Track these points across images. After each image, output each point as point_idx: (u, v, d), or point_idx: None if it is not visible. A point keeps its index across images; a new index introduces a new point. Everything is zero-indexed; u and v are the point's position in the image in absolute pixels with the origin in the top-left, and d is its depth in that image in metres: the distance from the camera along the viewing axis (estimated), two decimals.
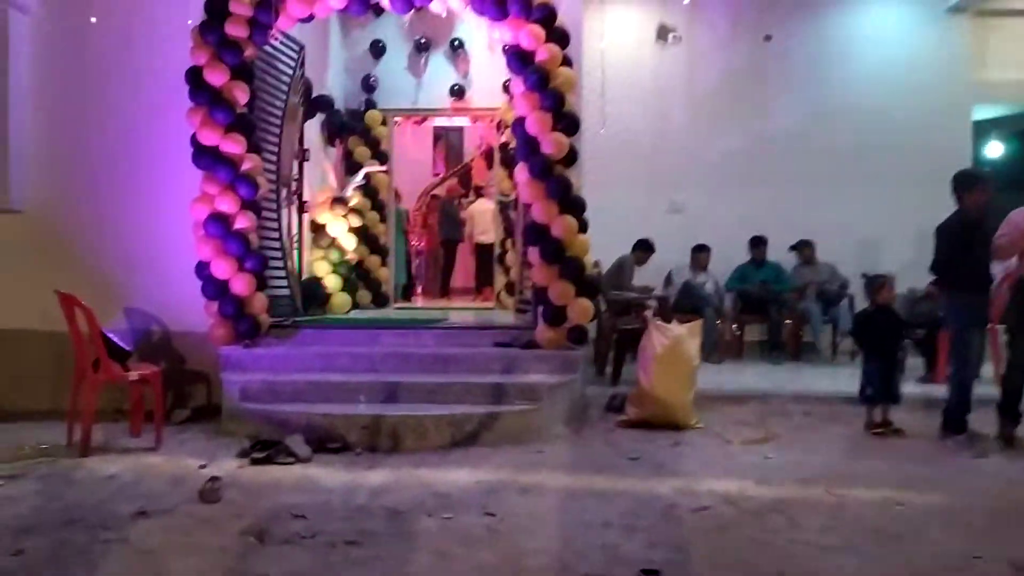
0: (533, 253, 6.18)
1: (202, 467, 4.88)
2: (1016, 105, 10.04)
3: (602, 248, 7.18)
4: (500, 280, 9.55)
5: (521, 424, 5.59)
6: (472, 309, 9.82)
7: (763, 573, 3.40)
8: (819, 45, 9.70)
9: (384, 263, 9.55)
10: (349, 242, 8.38)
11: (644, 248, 8.71)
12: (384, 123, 9.64)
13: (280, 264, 7.09)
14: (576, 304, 6.09)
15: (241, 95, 6.23)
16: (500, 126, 9.70)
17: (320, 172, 8.54)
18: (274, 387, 5.79)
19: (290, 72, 7.32)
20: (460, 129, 15.95)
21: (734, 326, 9.12)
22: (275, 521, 3.95)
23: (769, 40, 9.70)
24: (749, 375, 7.79)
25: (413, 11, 9.24)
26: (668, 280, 9.28)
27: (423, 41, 9.59)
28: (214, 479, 4.44)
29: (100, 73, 6.58)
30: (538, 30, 6.06)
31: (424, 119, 12.50)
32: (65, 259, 6.49)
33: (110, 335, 5.29)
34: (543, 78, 6.03)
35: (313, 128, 8.38)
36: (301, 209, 7.66)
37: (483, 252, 11.72)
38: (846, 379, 7.34)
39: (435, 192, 14.48)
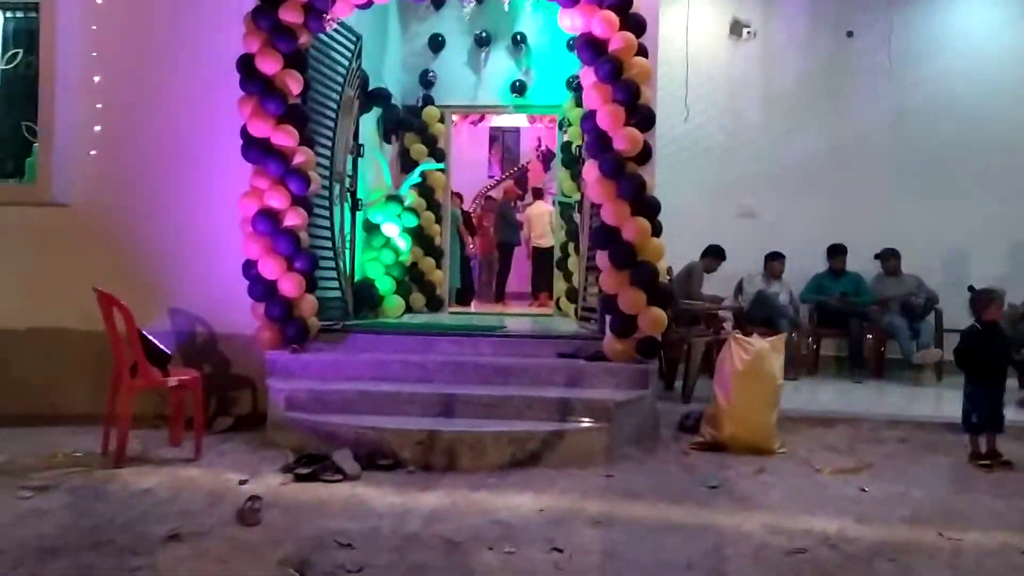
0: (602, 257, 5.71)
1: (242, 483, 4.51)
2: None
3: (666, 253, 6.67)
4: (560, 286, 9.07)
5: (587, 444, 5.12)
6: (530, 315, 9.38)
7: None
8: (905, 41, 9.05)
9: (439, 265, 9.16)
10: (403, 243, 7.99)
11: (715, 255, 8.19)
12: (442, 120, 9.26)
13: (331, 264, 6.73)
14: (648, 313, 5.60)
15: (294, 85, 5.88)
16: (562, 125, 9.25)
17: (375, 169, 8.16)
18: (322, 396, 5.40)
19: (346, 63, 6.96)
20: (517, 130, 15.63)
21: (809, 340, 8.52)
22: (318, 550, 3.55)
23: (851, 36, 9.13)
24: (830, 393, 7.20)
25: (474, 4, 9.05)
26: (739, 289, 8.75)
27: (484, 35, 9.19)
28: (254, 498, 4.05)
29: (151, 60, 6.28)
30: (612, 17, 5.60)
31: (481, 118, 12.20)
32: (109, 256, 6.21)
33: (150, 337, 4.96)
34: (616, 68, 5.56)
35: (368, 123, 8.01)
36: (354, 207, 7.28)
37: (540, 256, 11.33)
38: (932, 400, 6.79)
39: (489, 194, 14.16)
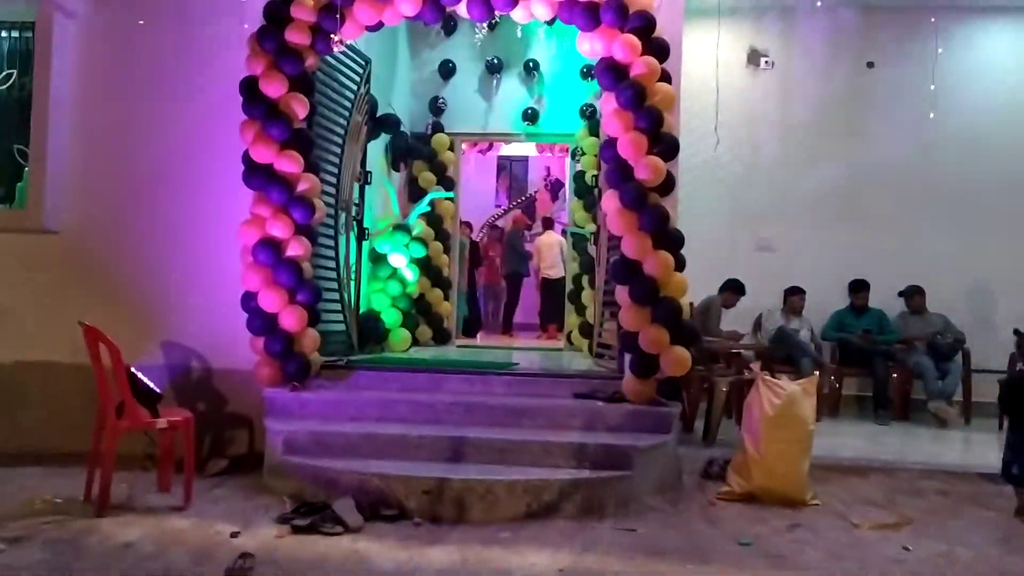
0: (622, 292, 5.38)
1: (234, 535, 4.15)
2: None
3: None
4: (572, 319, 8.73)
5: (608, 494, 4.76)
6: (540, 350, 9.04)
7: None
8: (928, 72, 8.78)
9: (447, 297, 8.85)
10: (411, 274, 7.67)
11: (734, 289, 7.90)
12: (451, 148, 8.99)
13: (335, 297, 6.42)
14: (670, 353, 5.27)
15: (300, 108, 5.60)
16: (575, 153, 8.99)
17: (383, 197, 7.88)
18: (323, 438, 5.05)
19: (354, 88, 6.70)
20: (525, 159, 15.43)
21: (831, 379, 8.17)
22: None
23: (872, 67, 8.89)
24: (857, 438, 6.83)
25: (486, 30, 8.82)
26: (757, 325, 8.45)
27: (495, 62, 8.96)
28: (245, 556, 3.70)
29: (148, 83, 6.00)
30: (634, 41, 5.33)
31: (489, 147, 11.94)
32: (101, 285, 5.91)
33: (138, 374, 4.62)
34: (639, 94, 5.28)
35: (376, 150, 7.74)
36: (360, 236, 6.98)
37: (550, 287, 11.03)
38: (963, 446, 6.45)
39: (496, 223, 13.90)
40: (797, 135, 8.93)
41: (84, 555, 3.84)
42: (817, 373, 7.85)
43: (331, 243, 6.39)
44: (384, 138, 8.05)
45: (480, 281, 12.27)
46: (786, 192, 8.85)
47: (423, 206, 8.05)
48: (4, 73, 6.19)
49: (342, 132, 6.56)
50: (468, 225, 11.23)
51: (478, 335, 11.09)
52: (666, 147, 5.34)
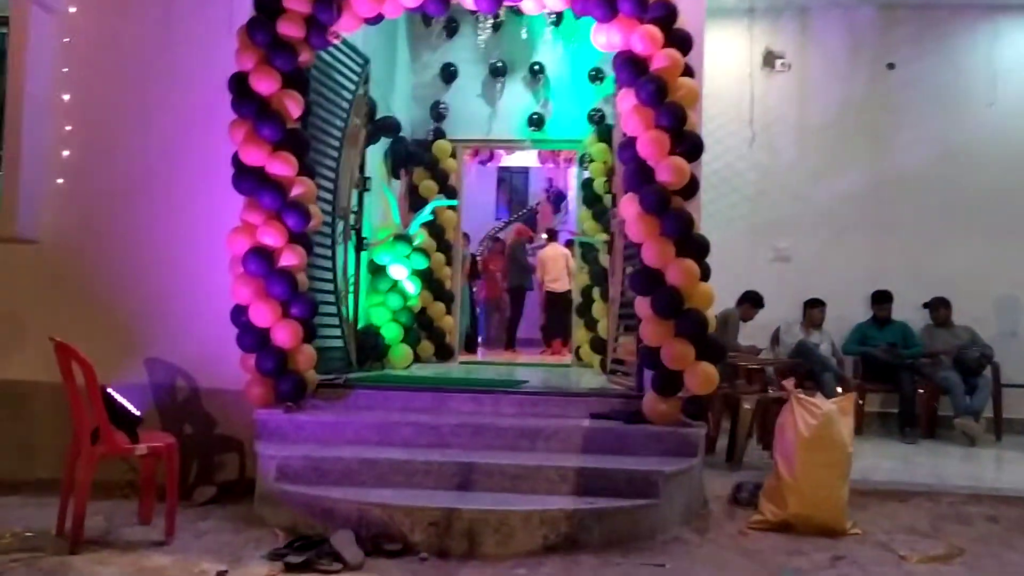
0: (642, 304, 4.97)
1: (221, 574, 3.73)
2: None
3: None
4: (581, 334, 8.32)
5: (632, 524, 4.34)
6: (547, 366, 8.62)
7: None
8: (951, 73, 8.45)
9: (449, 311, 8.44)
10: (412, 286, 7.26)
11: (752, 302, 7.52)
12: (453, 155, 8.61)
13: (332, 310, 6.01)
14: (696, 369, 4.85)
15: (294, 107, 5.20)
16: (583, 160, 8.62)
17: (383, 205, 7.48)
18: (319, 464, 4.62)
19: (352, 87, 6.32)
20: (525, 171, 15.12)
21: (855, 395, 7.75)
22: None
23: (892, 68, 8.52)
24: (887, 458, 6.40)
25: (490, 31, 8.46)
26: (775, 339, 8.05)
27: (499, 65, 8.60)
28: None
29: (132, 82, 5.62)
30: (655, 32, 4.94)
31: (490, 157, 11.58)
32: (80, 298, 5.51)
33: (116, 396, 4.20)
34: (660, 90, 4.89)
35: (374, 156, 7.35)
36: (359, 246, 6.57)
37: (555, 301, 10.63)
38: (999, 465, 6.09)
39: (497, 236, 13.54)
40: (815, 140, 8.55)
41: None
42: (840, 389, 7.55)
43: (328, 253, 6.00)
44: (383, 144, 7.67)
45: (480, 295, 11.87)
46: (804, 200, 8.46)
47: (426, 215, 7.64)
48: None
49: (339, 135, 6.18)
50: (466, 236, 10.85)
51: (478, 350, 10.68)
52: (690, 146, 4.95)
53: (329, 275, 6.02)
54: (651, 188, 4.91)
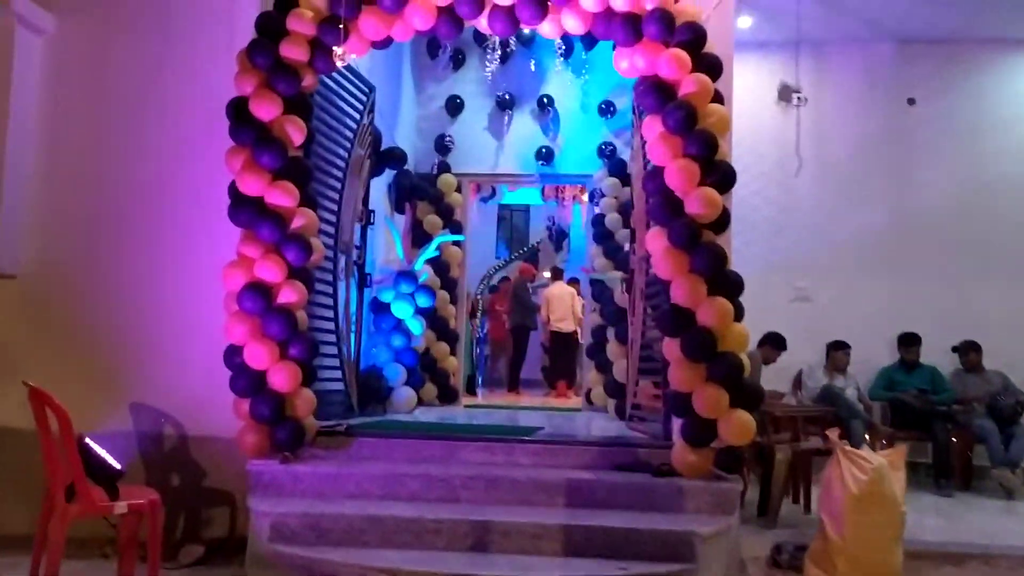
0: (671, 346, 4.58)
1: None
2: None
3: None
4: (593, 376, 7.92)
5: None
6: (555, 410, 8.18)
7: None
8: (974, 108, 8.19)
9: (453, 351, 8.04)
10: (416, 326, 6.86)
11: (774, 344, 7.14)
12: (459, 189, 8.28)
13: (333, 351, 5.61)
14: (731, 417, 4.45)
15: (296, 134, 4.86)
16: (594, 196, 8.30)
17: (385, 240, 7.12)
18: (318, 522, 4.19)
19: (356, 116, 6.00)
20: (526, 209, 14.84)
21: (884, 443, 7.34)
22: None
23: (913, 104, 8.26)
24: (927, 513, 5.95)
25: (497, 63, 8.18)
26: (797, 383, 7.67)
27: (507, 97, 8.31)
28: None
29: (123, 106, 5.26)
30: (683, 56, 4.62)
31: (492, 194, 11.27)
32: (62, 337, 5.10)
33: (93, 446, 3.78)
34: (690, 116, 4.55)
35: (378, 188, 7.00)
36: (362, 283, 6.19)
37: (561, 341, 10.23)
38: None
39: (506, 275, 13.17)
40: (834, 176, 8.27)
41: None
42: (868, 437, 7.15)
43: (329, 289, 5.62)
44: (387, 176, 7.34)
45: (486, 334, 11.48)
46: (823, 238, 8.15)
47: (431, 250, 7.27)
48: None
49: (343, 165, 5.85)
50: None
51: (478, 392, 10.23)
52: (721, 176, 4.60)
53: (330, 313, 5.65)
54: (681, 221, 4.55)
